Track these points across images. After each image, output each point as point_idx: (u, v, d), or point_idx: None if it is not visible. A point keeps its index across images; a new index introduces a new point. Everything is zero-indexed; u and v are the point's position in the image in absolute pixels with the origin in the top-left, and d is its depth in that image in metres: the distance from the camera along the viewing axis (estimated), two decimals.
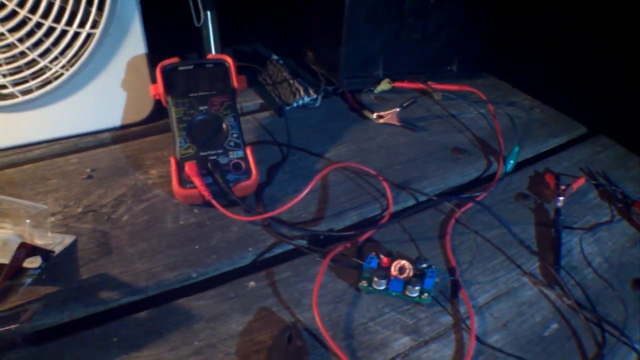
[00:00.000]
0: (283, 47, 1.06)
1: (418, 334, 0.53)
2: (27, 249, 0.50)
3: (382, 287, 0.55)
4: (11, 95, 0.69)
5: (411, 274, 0.56)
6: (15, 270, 0.50)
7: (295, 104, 0.89)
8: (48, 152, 0.75)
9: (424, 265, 0.56)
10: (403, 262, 0.56)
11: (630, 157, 0.86)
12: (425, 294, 0.55)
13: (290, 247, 0.62)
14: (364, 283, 0.56)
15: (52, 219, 0.62)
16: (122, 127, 0.80)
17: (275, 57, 0.99)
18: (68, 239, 0.59)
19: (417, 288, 0.54)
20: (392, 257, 0.57)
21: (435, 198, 0.71)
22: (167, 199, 0.67)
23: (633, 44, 0.87)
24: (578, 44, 0.95)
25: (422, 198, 0.72)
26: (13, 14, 0.64)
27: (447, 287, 0.58)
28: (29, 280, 0.52)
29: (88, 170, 0.71)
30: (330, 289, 0.57)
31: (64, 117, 0.74)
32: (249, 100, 0.91)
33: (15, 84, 0.68)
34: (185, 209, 0.66)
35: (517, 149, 0.81)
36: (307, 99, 0.89)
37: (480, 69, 1.09)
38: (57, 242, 0.58)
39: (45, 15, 0.65)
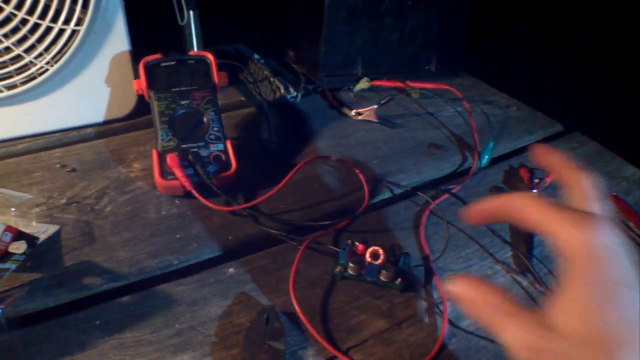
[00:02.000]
0: (265, 47, 1.08)
1: (393, 318, 0.55)
2: (13, 233, 0.52)
3: (357, 273, 0.57)
4: None
5: (385, 260, 0.58)
6: (0, 253, 0.51)
7: (275, 102, 0.91)
8: (32, 147, 0.76)
9: (398, 252, 0.58)
10: (377, 248, 0.58)
11: (605, 153, 0.89)
12: (399, 280, 0.57)
13: (268, 236, 0.64)
14: (340, 269, 0.58)
15: (37, 209, 0.64)
16: (106, 122, 0.81)
17: (257, 56, 1.00)
18: (52, 228, 0.61)
19: (390, 273, 0.56)
20: (367, 245, 0.59)
21: (410, 189, 0.73)
22: (149, 191, 0.69)
23: (609, 43, 0.89)
24: (555, 44, 0.97)
25: (398, 191, 0.74)
26: None
27: (421, 274, 0.60)
28: (13, 265, 0.53)
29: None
30: (307, 275, 0.58)
31: (48, 112, 0.76)
32: (230, 98, 0.93)
33: (0, 79, 0.69)
34: (167, 200, 0.67)
35: (491, 144, 0.83)
36: (287, 97, 0.91)
37: (457, 69, 1.11)
38: (41, 231, 0.59)
39: (30, 12, 0.66)
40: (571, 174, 0.42)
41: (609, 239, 0.35)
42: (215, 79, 0.72)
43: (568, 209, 0.37)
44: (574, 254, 0.35)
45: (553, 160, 0.45)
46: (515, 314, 0.36)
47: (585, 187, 0.41)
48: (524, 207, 0.39)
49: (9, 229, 0.52)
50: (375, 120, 0.89)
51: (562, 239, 0.36)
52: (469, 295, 0.39)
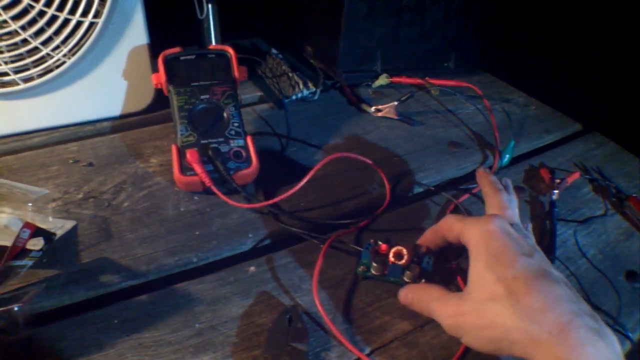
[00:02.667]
0: (283, 41, 1.06)
1: (416, 319, 0.53)
2: (31, 229, 0.51)
3: (380, 273, 0.56)
4: (12, 83, 0.69)
5: (409, 260, 0.56)
6: (18, 250, 0.50)
7: (294, 97, 0.89)
8: (48, 140, 0.75)
9: (421, 252, 0.57)
10: (400, 248, 0.57)
11: (623, 153, 0.87)
12: (423, 280, 0.55)
13: (289, 234, 0.62)
14: (363, 269, 0.56)
15: (53, 204, 0.62)
16: (122, 116, 0.80)
17: (274, 51, 0.99)
18: (69, 224, 0.59)
19: (414, 273, 0.55)
20: (390, 244, 0.58)
21: (433, 188, 0.72)
22: (167, 186, 0.67)
23: (628, 43, 0.88)
24: (574, 43, 0.96)
25: (419, 189, 0.73)
26: (16, 1, 0.64)
27: (445, 274, 0.59)
28: (30, 262, 0.52)
29: (70, 161, 0.71)
30: (329, 275, 0.57)
31: (64, 106, 0.75)
32: (249, 93, 0.92)
33: (17, 71, 0.68)
34: (186, 196, 0.66)
35: (512, 143, 0.82)
36: (306, 92, 0.90)
37: (476, 66, 1.10)
38: (58, 226, 0.58)
39: (48, 3, 0.65)
40: (490, 192, 0.59)
41: (499, 226, 0.48)
42: (236, 73, 0.70)
43: (474, 217, 0.51)
44: (473, 241, 0.48)
45: (483, 181, 0.62)
46: (441, 297, 0.48)
47: (495, 199, 0.57)
48: (445, 224, 0.53)
49: (27, 225, 0.50)
50: (395, 117, 0.88)
51: (467, 235, 0.49)
52: (412, 297, 0.51)
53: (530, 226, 0.60)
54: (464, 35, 1.03)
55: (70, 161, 0.70)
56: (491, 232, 0.47)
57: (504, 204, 0.55)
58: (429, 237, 0.57)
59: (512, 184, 0.63)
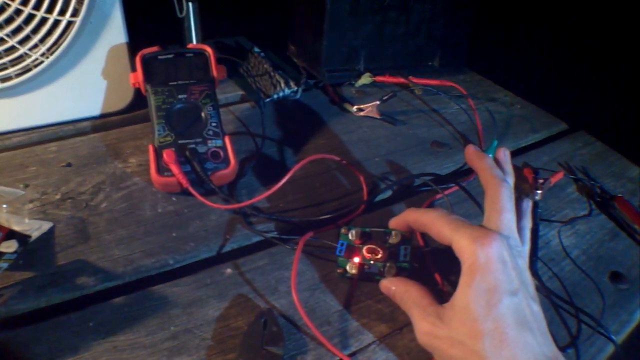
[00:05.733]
0: (266, 40, 1.06)
1: (394, 322, 0.53)
2: (3, 232, 0.50)
3: (357, 271, 0.56)
4: None
5: (385, 256, 0.56)
6: None
7: (275, 96, 0.89)
8: (26, 140, 0.74)
9: (395, 242, 0.57)
10: (373, 245, 0.57)
11: (610, 153, 0.88)
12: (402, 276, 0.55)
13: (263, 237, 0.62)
14: (341, 270, 0.56)
15: (30, 205, 0.62)
16: (102, 116, 0.79)
17: (257, 49, 0.99)
18: (46, 225, 0.59)
19: (393, 269, 0.55)
20: (365, 238, 0.58)
21: (410, 183, 0.72)
22: (145, 187, 0.67)
23: (617, 42, 0.88)
24: (560, 42, 0.96)
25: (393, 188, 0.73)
26: None
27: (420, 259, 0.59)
28: (4, 264, 0.52)
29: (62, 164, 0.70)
30: (307, 277, 0.57)
31: (43, 105, 0.74)
32: (229, 92, 0.91)
33: None
34: (164, 197, 0.66)
35: (495, 143, 0.82)
36: (287, 91, 0.89)
37: (461, 65, 1.10)
38: (34, 228, 0.58)
39: (24, 2, 0.64)
40: (488, 180, 0.52)
41: (497, 253, 0.45)
42: (214, 72, 0.70)
43: (471, 226, 0.47)
44: (467, 263, 0.45)
45: (478, 164, 0.55)
46: (420, 305, 0.48)
47: (494, 195, 0.50)
48: (432, 222, 0.50)
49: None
50: (378, 116, 0.88)
51: (462, 251, 0.46)
52: (396, 290, 0.51)
53: (528, 230, 0.54)
54: (449, 34, 1.03)
55: (50, 162, 0.70)
56: (488, 260, 0.45)
57: (504, 205, 0.50)
58: (404, 223, 0.56)
59: (509, 156, 0.59)
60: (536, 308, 0.46)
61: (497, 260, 0.45)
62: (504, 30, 1.05)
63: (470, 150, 0.57)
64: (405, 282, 0.52)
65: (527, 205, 0.56)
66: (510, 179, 0.54)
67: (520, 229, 0.52)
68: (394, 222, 0.57)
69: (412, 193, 0.72)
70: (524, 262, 0.49)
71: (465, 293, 0.44)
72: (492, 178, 0.52)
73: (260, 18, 1.14)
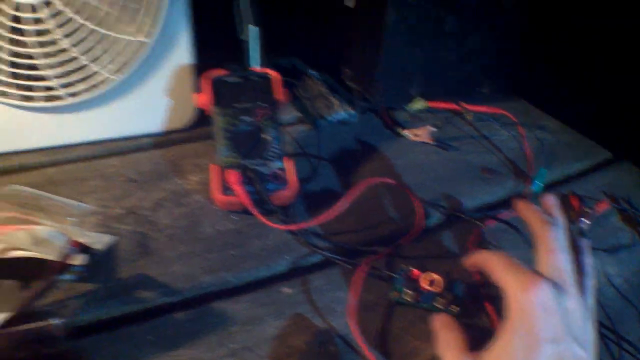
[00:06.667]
0: (320, 63, 1.07)
1: None
2: (76, 246, 0.52)
3: (413, 299, 0.56)
4: (59, 97, 0.71)
5: (441, 287, 0.57)
6: (62, 266, 0.51)
7: (330, 119, 0.90)
8: (89, 154, 0.76)
9: (453, 278, 0.57)
10: (433, 275, 0.57)
11: None
12: (454, 306, 0.56)
13: (325, 257, 0.63)
14: (396, 294, 0.57)
15: (93, 218, 0.64)
16: (163, 133, 0.81)
17: (312, 72, 1.00)
18: (108, 239, 0.60)
19: (446, 300, 0.56)
20: (423, 270, 0.58)
21: (463, 216, 0.72)
22: (205, 204, 0.68)
23: None
24: (608, 72, 0.95)
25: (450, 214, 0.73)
26: (68, 20, 0.66)
27: (476, 300, 0.59)
28: (72, 277, 0.53)
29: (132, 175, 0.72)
30: (362, 299, 0.57)
31: (107, 121, 0.76)
32: (285, 113, 0.92)
33: (64, 86, 0.70)
34: (224, 215, 0.67)
35: (545, 171, 0.81)
36: (343, 114, 0.90)
37: (511, 93, 1.09)
38: (97, 241, 0.59)
39: (100, 23, 0.67)
40: (540, 228, 0.51)
41: (539, 298, 0.44)
42: (278, 96, 0.72)
43: (520, 269, 0.46)
44: (512, 309, 0.44)
45: (527, 214, 0.54)
46: (453, 347, 0.47)
47: (543, 237, 0.50)
48: (487, 263, 0.49)
49: (73, 243, 0.52)
50: (431, 142, 0.88)
51: (506, 295, 0.45)
52: (438, 329, 0.50)
53: (590, 267, 0.52)
54: (501, 62, 1.02)
55: (112, 176, 0.72)
56: (530, 305, 0.44)
57: (553, 247, 0.49)
58: (470, 262, 0.54)
59: (556, 200, 0.57)
60: (582, 354, 0.44)
61: (538, 306, 0.44)
62: (553, 60, 1.04)
63: (519, 203, 0.56)
64: (447, 323, 0.51)
65: (584, 242, 0.54)
66: (561, 222, 0.53)
67: (582, 266, 0.51)
68: (466, 262, 0.56)
69: (465, 220, 0.72)
70: (575, 304, 0.46)
71: (505, 339, 0.44)
72: (540, 222, 0.51)
73: (314, 41, 1.15)
